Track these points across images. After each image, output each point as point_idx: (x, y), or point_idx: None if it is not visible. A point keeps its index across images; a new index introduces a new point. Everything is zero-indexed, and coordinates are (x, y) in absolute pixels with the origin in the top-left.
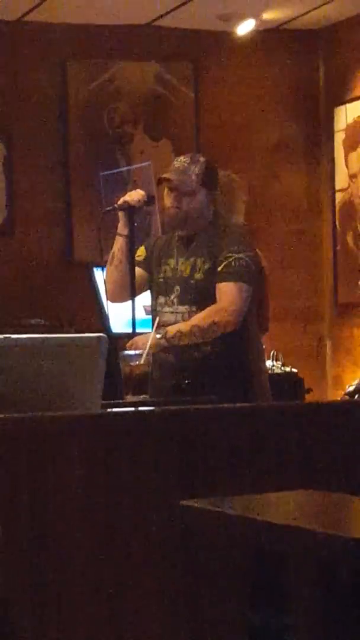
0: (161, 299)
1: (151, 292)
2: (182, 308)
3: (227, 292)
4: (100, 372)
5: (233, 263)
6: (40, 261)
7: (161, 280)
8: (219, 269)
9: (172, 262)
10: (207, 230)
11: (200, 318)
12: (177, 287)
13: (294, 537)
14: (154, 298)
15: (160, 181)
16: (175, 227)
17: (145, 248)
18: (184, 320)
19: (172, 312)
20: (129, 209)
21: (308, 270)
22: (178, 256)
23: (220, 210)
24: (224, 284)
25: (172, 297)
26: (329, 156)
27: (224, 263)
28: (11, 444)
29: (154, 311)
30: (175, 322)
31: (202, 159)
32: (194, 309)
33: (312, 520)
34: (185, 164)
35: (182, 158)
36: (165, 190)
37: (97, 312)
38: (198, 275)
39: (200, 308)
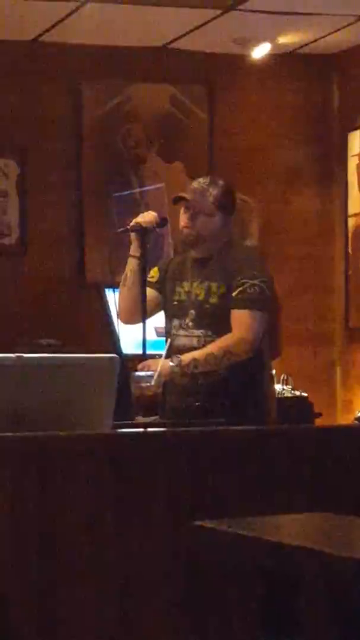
0: (175, 322)
1: (165, 314)
2: (197, 332)
3: (242, 321)
4: (112, 392)
5: (248, 289)
6: (52, 281)
7: (175, 303)
8: (234, 294)
9: (186, 285)
10: (221, 253)
11: (216, 347)
12: (192, 311)
13: (306, 559)
14: (169, 320)
15: (177, 200)
16: (188, 246)
17: (159, 269)
18: (199, 343)
19: (187, 336)
20: (141, 230)
21: (319, 295)
22: (192, 279)
23: (234, 234)
24: (238, 311)
25: (187, 320)
26: (342, 181)
27: (239, 289)
28: (22, 462)
29: (167, 334)
30: (191, 346)
31: (221, 182)
32: (209, 333)
33: (323, 542)
34: (204, 186)
35: (201, 180)
36: (182, 210)
37: (108, 333)
38: (213, 300)
39: (216, 332)
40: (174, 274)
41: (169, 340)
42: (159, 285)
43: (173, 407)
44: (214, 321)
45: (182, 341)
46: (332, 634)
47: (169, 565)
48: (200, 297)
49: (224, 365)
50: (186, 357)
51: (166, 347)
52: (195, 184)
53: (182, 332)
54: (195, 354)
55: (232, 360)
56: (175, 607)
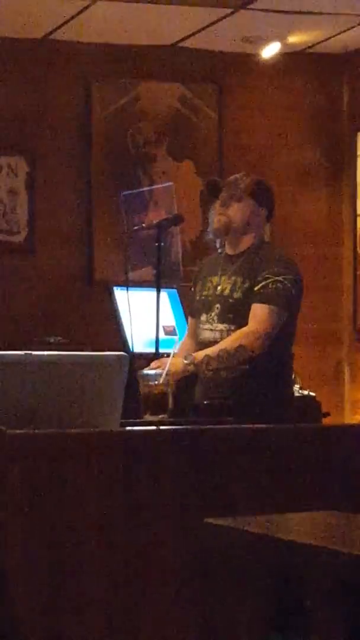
0: (203, 317)
1: (191, 312)
2: (221, 326)
3: (258, 315)
4: (121, 390)
5: (270, 285)
6: (61, 279)
7: (203, 297)
8: (256, 289)
9: (215, 279)
10: (252, 251)
11: (229, 342)
12: (218, 305)
13: (315, 557)
14: (197, 317)
15: (210, 186)
16: (220, 234)
17: (192, 281)
18: (222, 337)
19: (211, 330)
20: (157, 229)
21: (327, 295)
22: (222, 274)
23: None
24: (257, 305)
25: (212, 314)
26: (351, 181)
27: (262, 284)
28: (31, 459)
29: (197, 328)
30: (214, 339)
31: (255, 176)
32: (232, 327)
33: (333, 540)
34: (237, 176)
35: (237, 174)
36: (216, 205)
37: (117, 331)
38: (237, 295)
39: (239, 327)
40: (205, 271)
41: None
42: (192, 306)
43: (196, 404)
44: (237, 316)
45: (205, 335)
46: (342, 631)
47: (178, 562)
48: (226, 292)
49: (237, 360)
50: (199, 355)
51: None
52: (230, 178)
53: (207, 325)
54: (208, 350)
55: (246, 355)
56: (183, 604)
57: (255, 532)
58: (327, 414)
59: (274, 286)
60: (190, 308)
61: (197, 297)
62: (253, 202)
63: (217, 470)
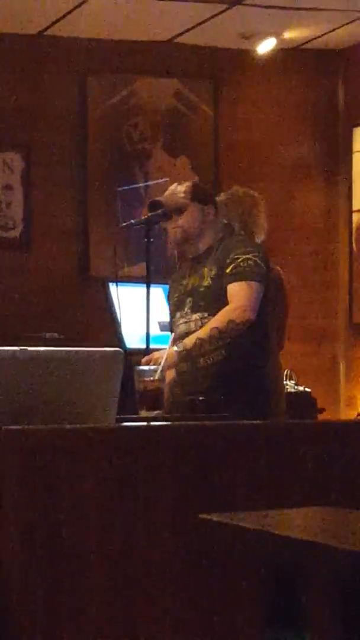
0: (177, 315)
1: (170, 315)
2: (195, 316)
3: (239, 291)
4: (116, 386)
5: (241, 264)
6: (56, 275)
7: (176, 299)
8: (227, 270)
9: (184, 281)
10: (215, 247)
11: (217, 320)
12: (189, 299)
13: (312, 553)
14: (172, 317)
15: (152, 206)
16: (179, 245)
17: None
18: (197, 327)
19: (185, 322)
20: (147, 224)
21: (323, 290)
22: (190, 274)
23: (239, 228)
24: (233, 284)
25: (185, 309)
26: (347, 177)
27: (232, 265)
28: (26, 455)
29: (173, 326)
30: (188, 330)
31: (188, 182)
32: (205, 314)
33: (330, 536)
34: (172, 188)
35: (170, 187)
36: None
37: (112, 327)
38: (206, 282)
39: (212, 313)
40: (176, 277)
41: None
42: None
43: (176, 401)
44: (209, 303)
45: (181, 328)
46: (340, 628)
47: (175, 558)
48: (196, 284)
49: (229, 337)
50: (190, 339)
51: (170, 341)
52: (166, 193)
53: (181, 320)
54: (198, 333)
55: (236, 329)
56: (180, 601)
57: (251, 528)
58: (322, 410)
59: (245, 264)
60: (170, 323)
61: (172, 306)
62: (197, 204)
63: (214, 466)
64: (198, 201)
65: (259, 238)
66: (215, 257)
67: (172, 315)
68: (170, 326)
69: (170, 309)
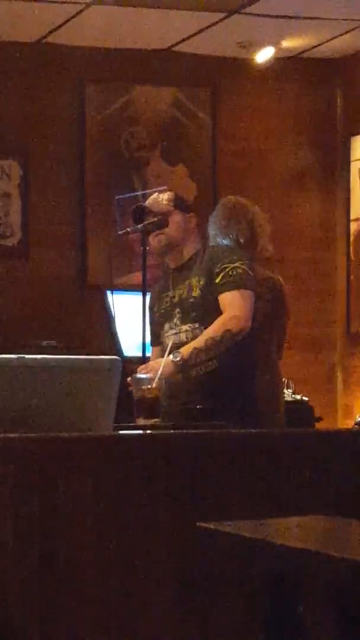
0: (166, 327)
1: (153, 340)
2: (184, 327)
3: (233, 300)
4: (114, 394)
5: (231, 272)
6: (54, 283)
7: (163, 311)
8: (217, 280)
9: (169, 293)
10: (197, 256)
11: (213, 330)
12: (178, 310)
13: (309, 561)
14: (160, 330)
15: (136, 212)
16: (164, 253)
17: (150, 303)
18: (187, 338)
19: (175, 333)
20: (143, 232)
21: (321, 299)
22: (174, 286)
23: (216, 234)
24: (226, 294)
25: (174, 320)
26: (345, 185)
27: (222, 274)
28: (24, 463)
29: (162, 339)
30: (179, 341)
31: (170, 191)
32: (196, 325)
33: (326, 545)
34: (154, 196)
35: (152, 196)
36: (150, 236)
37: (109, 335)
38: (195, 293)
39: (202, 324)
40: (160, 289)
41: (166, 344)
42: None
43: (171, 411)
44: (199, 313)
45: (171, 339)
46: (336, 636)
47: (172, 567)
48: (184, 295)
49: (225, 347)
50: (186, 349)
51: (166, 351)
52: (147, 201)
53: (171, 332)
54: (194, 343)
55: (232, 339)
56: (177, 609)
57: (250, 537)
58: (319, 419)
59: (234, 272)
60: (151, 337)
61: (156, 318)
62: (180, 212)
63: (210, 475)
64: (180, 209)
65: (268, 249)
66: (201, 266)
67: (159, 327)
68: (151, 339)
69: (153, 320)
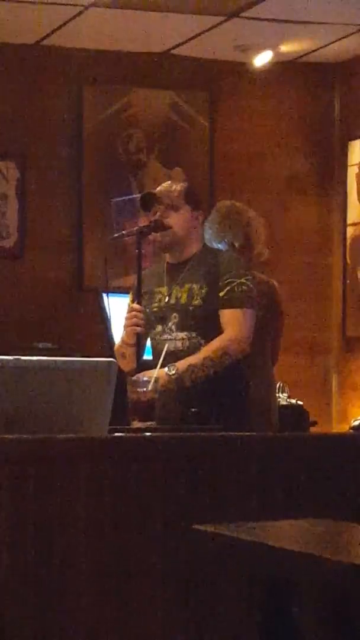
0: (158, 328)
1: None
2: (181, 335)
3: (234, 320)
4: (109, 396)
5: (236, 289)
6: (50, 285)
7: (155, 309)
8: (221, 294)
9: (164, 290)
10: (198, 257)
11: (211, 350)
12: (175, 314)
13: (303, 564)
14: (151, 328)
15: (145, 199)
16: (166, 248)
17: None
18: (183, 345)
19: (171, 340)
20: (137, 235)
21: (317, 303)
22: (171, 284)
23: (211, 239)
24: (228, 311)
25: (169, 324)
26: (342, 190)
27: (227, 289)
28: (19, 465)
29: (152, 340)
30: (175, 349)
31: (184, 182)
32: (194, 334)
33: (321, 548)
34: (166, 185)
35: (164, 184)
36: (156, 213)
37: (105, 337)
38: (196, 302)
39: (200, 333)
40: (150, 282)
41: (159, 348)
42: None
43: (166, 416)
44: (198, 323)
45: (167, 346)
46: (331, 639)
47: (167, 570)
48: (183, 300)
49: (221, 367)
50: (182, 364)
51: (162, 356)
52: (159, 187)
53: (165, 336)
54: (191, 359)
55: (229, 361)
56: (173, 612)
57: (246, 540)
58: (314, 423)
59: (239, 289)
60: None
61: (146, 308)
62: (189, 207)
63: (205, 478)
64: (190, 204)
65: (263, 253)
66: (207, 271)
67: (151, 326)
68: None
69: (147, 320)
